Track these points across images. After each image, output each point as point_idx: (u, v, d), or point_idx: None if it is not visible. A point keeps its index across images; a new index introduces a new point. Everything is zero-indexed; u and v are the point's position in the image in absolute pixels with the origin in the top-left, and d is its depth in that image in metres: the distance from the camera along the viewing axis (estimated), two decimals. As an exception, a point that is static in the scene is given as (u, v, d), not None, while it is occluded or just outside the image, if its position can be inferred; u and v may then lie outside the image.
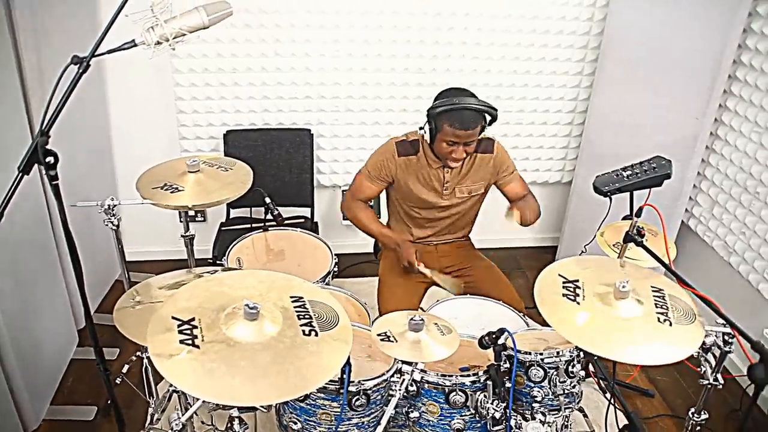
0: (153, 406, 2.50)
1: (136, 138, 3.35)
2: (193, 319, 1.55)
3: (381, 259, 2.80)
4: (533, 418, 1.93)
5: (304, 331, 1.56)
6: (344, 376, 1.69)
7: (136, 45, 1.67)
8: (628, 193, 2.48)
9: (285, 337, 1.53)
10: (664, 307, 1.74)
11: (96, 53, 1.63)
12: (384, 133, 3.36)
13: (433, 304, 2.45)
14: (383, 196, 2.73)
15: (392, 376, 1.84)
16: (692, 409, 2.21)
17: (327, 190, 3.64)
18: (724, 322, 1.82)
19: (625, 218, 2.63)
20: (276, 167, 3.33)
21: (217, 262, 2.76)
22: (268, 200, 2.71)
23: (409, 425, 1.98)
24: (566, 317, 1.67)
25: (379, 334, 1.70)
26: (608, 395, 2.92)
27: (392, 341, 1.69)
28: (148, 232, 3.53)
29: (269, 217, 2.72)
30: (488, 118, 2.39)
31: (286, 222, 3.15)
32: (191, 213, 3.57)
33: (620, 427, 1.96)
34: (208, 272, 2.17)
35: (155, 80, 3.21)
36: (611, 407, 2.32)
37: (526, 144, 3.63)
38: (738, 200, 2.98)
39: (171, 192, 2.11)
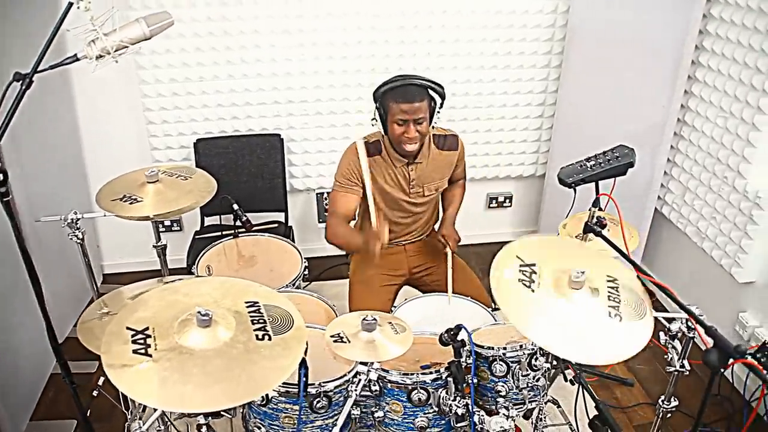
0: (129, 417, 2.51)
1: (107, 150, 3.35)
2: (147, 329, 1.56)
3: (351, 260, 2.80)
4: (497, 413, 1.94)
5: (257, 335, 1.57)
6: (301, 378, 1.70)
7: (78, 59, 1.67)
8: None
9: (238, 343, 1.53)
10: (616, 300, 1.71)
11: (38, 69, 1.63)
12: (354, 134, 3.36)
13: (402, 303, 2.46)
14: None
15: (355, 376, 1.84)
16: (662, 397, 2.21)
17: (301, 194, 3.64)
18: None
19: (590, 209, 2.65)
20: (248, 173, 3.34)
21: (191, 270, 2.77)
22: (236, 207, 2.72)
23: (376, 425, 1.99)
24: (520, 306, 1.62)
25: (332, 336, 1.70)
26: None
27: (345, 342, 1.69)
28: (126, 243, 3.54)
29: (240, 223, 2.73)
30: (437, 99, 2.40)
31: (257, 228, 3.16)
32: (167, 222, 3.58)
33: (590, 417, 1.97)
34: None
35: (123, 92, 3.22)
36: (581, 398, 2.32)
37: (498, 139, 3.63)
38: (708, 185, 2.99)
39: (130, 203, 2.11)
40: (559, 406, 2.58)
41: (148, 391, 1.39)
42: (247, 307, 1.65)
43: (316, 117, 3.39)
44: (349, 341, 1.69)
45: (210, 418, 1.88)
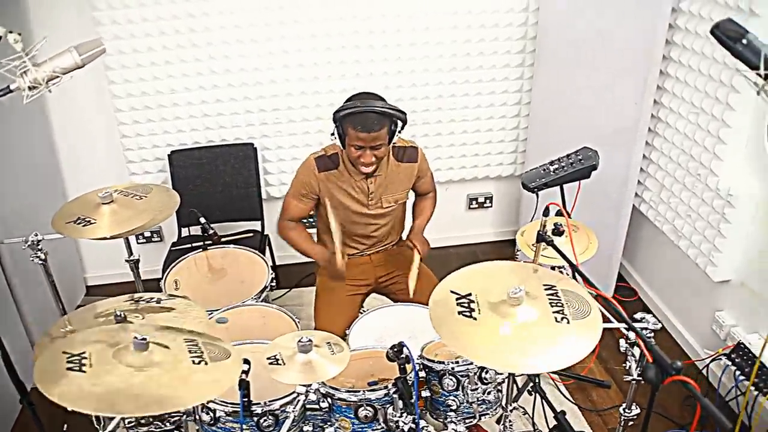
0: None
1: (84, 166, 3.39)
2: (84, 353, 1.58)
3: (317, 273, 2.80)
4: (444, 428, 1.93)
5: (193, 360, 1.59)
6: (242, 397, 1.71)
7: (11, 91, 1.68)
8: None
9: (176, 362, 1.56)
10: (558, 304, 1.71)
11: (-30, 102, 1.65)
12: (328, 141, 3.35)
13: (362, 315, 2.46)
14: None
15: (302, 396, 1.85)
16: (623, 406, 2.19)
17: (278, 202, 3.61)
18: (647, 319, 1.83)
19: (557, 214, 2.62)
20: (223, 183, 3.35)
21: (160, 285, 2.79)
22: (202, 219, 2.74)
23: (328, 441, 2.00)
24: (467, 338, 1.63)
25: (268, 358, 1.70)
26: (564, 390, 2.92)
27: (281, 364, 1.69)
28: (107, 256, 3.56)
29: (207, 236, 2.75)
30: (399, 123, 2.37)
31: (231, 238, 3.18)
32: (146, 233, 3.60)
33: (550, 427, 1.96)
34: (149, 299, 2.19)
35: (96, 107, 3.24)
36: (542, 406, 2.30)
37: (474, 140, 3.60)
38: (683, 183, 2.93)
39: (83, 225, 2.13)
40: (525, 413, 2.57)
41: (81, 398, 1.40)
42: (186, 342, 1.67)
43: (289, 125, 3.38)
44: (284, 363, 1.69)
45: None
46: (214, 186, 3.34)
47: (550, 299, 1.74)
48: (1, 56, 1.63)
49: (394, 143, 2.47)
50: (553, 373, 2.98)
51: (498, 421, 2.33)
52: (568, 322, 1.67)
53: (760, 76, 1.25)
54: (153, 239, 3.63)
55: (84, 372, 1.48)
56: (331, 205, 2.47)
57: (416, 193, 2.76)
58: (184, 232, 3.39)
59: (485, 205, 3.85)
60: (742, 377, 2.62)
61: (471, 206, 3.85)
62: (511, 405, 2.19)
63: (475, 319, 1.68)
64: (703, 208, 2.81)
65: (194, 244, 2.84)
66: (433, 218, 2.79)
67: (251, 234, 3.34)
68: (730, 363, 2.68)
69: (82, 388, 1.43)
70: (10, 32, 1.62)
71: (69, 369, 1.48)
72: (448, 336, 1.65)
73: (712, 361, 2.85)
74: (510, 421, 2.25)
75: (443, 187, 3.70)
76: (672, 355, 2.63)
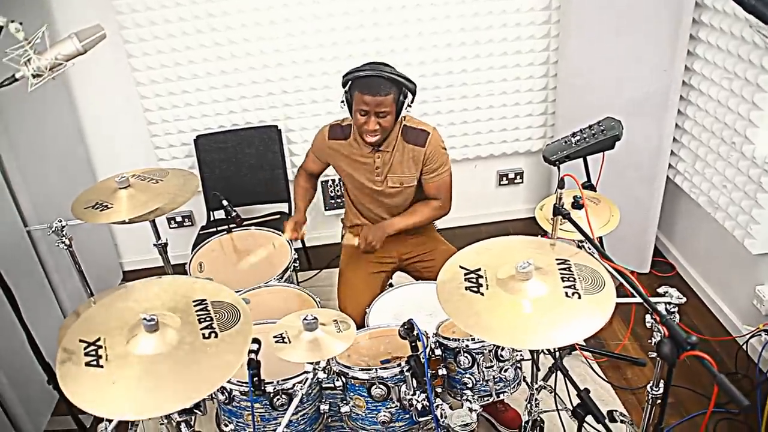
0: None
1: (114, 153, 3.45)
2: (98, 339, 1.61)
3: (342, 247, 2.80)
4: (461, 406, 1.90)
5: (203, 334, 1.59)
6: (251, 377, 1.72)
7: (17, 80, 1.72)
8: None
9: (185, 344, 1.56)
10: (570, 279, 1.66)
11: (-21, 91, 1.68)
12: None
13: (383, 293, 2.45)
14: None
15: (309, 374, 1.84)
16: (650, 384, 2.11)
17: (306, 183, 3.65)
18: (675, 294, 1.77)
19: (585, 186, 2.54)
20: (248, 166, 3.37)
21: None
22: (225, 202, 2.76)
23: (344, 419, 1.99)
24: (474, 314, 1.59)
25: (275, 337, 1.70)
26: (597, 368, 2.85)
27: (287, 342, 1.69)
28: (141, 241, 3.62)
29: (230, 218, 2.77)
30: (408, 93, 2.34)
31: (251, 221, 3.20)
32: (177, 218, 3.66)
33: (574, 405, 1.91)
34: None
35: (122, 94, 3.29)
36: (565, 384, 2.24)
37: (502, 115, 3.52)
38: (717, 152, 2.81)
39: (101, 210, 2.17)
40: (552, 392, 2.51)
41: (101, 401, 1.43)
42: (195, 305, 1.68)
43: (312, 106, 3.37)
44: (290, 342, 1.69)
45: (183, 415, 1.93)
46: (239, 169, 3.36)
47: (561, 274, 1.69)
48: (5, 46, 1.67)
49: (406, 123, 2.45)
50: (586, 350, 2.91)
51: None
52: (579, 297, 1.62)
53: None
54: (185, 224, 3.69)
55: (102, 367, 1.49)
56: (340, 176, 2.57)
57: (423, 193, 2.62)
58: (215, 215, 3.43)
59: (516, 181, 3.77)
60: (783, 353, 2.52)
61: (501, 182, 3.77)
62: (536, 384, 2.14)
63: (482, 294, 1.64)
64: (739, 178, 2.68)
65: (219, 228, 2.87)
66: (463, 195, 2.71)
67: (278, 216, 3.35)
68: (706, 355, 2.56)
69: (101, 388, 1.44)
70: (12, 21, 1.65)
71: (88, 365, 1.50)
72: (454, 312, 1.62)
73: (752, 336, 2.73)
74: (536, 399, 2.21)
75: (472, 164, 3.65)
76: (711, 332, 2.54)
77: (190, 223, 3.70)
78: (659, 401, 2.14)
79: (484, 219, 3.84)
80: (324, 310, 1.84)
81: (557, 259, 1.73)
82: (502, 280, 1.66)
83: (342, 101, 2.39)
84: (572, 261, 1.73)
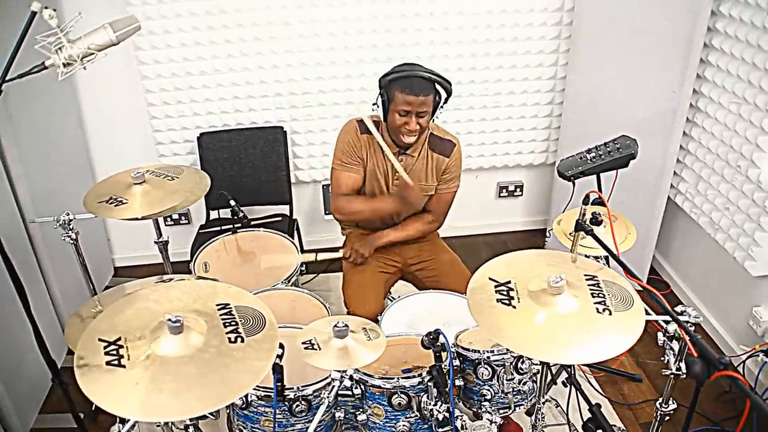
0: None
1: (114, 147, 3.38)
2: (119, 339, 1.56)
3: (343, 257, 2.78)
4: (480, 418, 1.90)
5: (229, 338, 1.56)
6: (275, 383, 1.69)
7: (46, 68, 1.67)
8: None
9: (210, 347, 1.53)
10: (600, 295, 1.68)
11: (6, 79, 1.63)
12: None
13: (393, 302, 2.43)
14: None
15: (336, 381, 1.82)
16: (659, 401, 2.14)
17: (308, 186, 3.62)
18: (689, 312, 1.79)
19: (595, 202, 2.56)
20: (251, 167, 3.32)
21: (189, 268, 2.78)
22: (232, 202, 2.72)
23: (360, 427, 1.97)
24: (506, 326, 1.59)
25: (303, 343, 1.68)
26: (595, 383, 2.88)
27: (316, 349, 1.67)
28: (136, 238, 3.57)
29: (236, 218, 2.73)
30: (443, 94, 2.36)
31: (256, 222, 3.16)
32: (174, 216, 3.60)
33: (584, 420, 1.92)
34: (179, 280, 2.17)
35: (126, 88, 3.22)
36: (575, 398, 2.26)
37: (506, 127, 3.54)
38: (721, 174, 2.86)
39: (115, 205, 2.12)
40: (558, 406, 2.53)
41: (123, 402, 1.39)
42: (219, 309, 1.65)
43: (319, 109, 3.35)
44: (320, 348, 1.66)
45: (194, 419, 1.89)
46: (242, 169, 3.32)
47: (591, 289, 1.70)
48: (35, 33, 1.62)
49: (433, 131, 2.47)
50: (584, 365, 2.93)
51: (528, 413, 2.30)
52: (611, 314, 1.64)
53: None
54: (181, 222, 3.63)
55: (124, 367, 1.45)
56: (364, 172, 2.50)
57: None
58: (213, 215, 3.38)
59: (515, 193, 3.79)
60: (780, 374, 2.57)
61: (501, 194, 3.79)
62: (543, 397, 2.15)
63: (514, 307, 1.64)
64: (742, 201, 2.74)
65: (224, 227, 2.83)
66: (462, 205, 2.72)
67: (279, 218, 3.32)
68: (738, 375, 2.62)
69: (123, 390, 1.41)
70: (46, 8, 1.60)
71: (108, 364, 1.46)
72: (486, 324, 1.62)
73: (748, 357, 2.79)
74: (542, 413, 2.21)
75: (473, 174, 3.66)
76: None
77: (186, 221, 3.64)
78: (667, 419, 2.17)
79: (483, 230, 3.86)
80: (352, 317, 1.81)
81: (585, 275, 1.74)
82: (534, 294, 1.67)
83: (374, 103, 2.39)
84: (600, 277, 1.74)
